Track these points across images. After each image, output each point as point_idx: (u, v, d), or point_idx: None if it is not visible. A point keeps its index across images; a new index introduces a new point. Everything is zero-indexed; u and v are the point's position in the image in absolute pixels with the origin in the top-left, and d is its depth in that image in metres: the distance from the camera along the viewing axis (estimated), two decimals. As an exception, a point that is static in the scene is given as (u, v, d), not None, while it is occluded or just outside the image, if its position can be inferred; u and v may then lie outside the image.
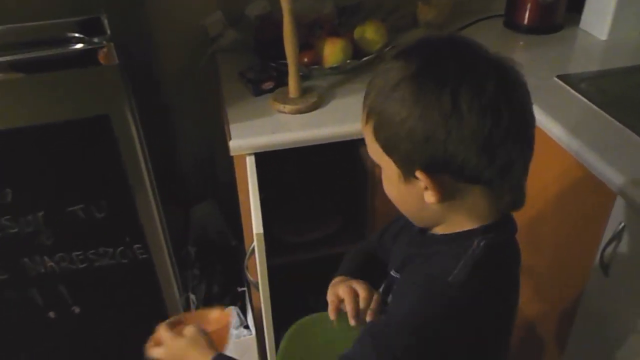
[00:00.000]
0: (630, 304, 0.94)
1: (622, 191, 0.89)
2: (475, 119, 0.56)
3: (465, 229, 0.65)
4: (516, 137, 0.60)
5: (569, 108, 1.11)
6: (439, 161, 0.59)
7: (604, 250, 0.95)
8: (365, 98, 0.64)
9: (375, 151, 0.65)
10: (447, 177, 0.60)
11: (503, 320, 0.68)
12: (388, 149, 0.62)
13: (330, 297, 0.82)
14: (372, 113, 0.62)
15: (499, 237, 0.66)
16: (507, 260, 0.68)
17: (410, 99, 0.58)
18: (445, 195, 0.62)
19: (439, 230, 0.68)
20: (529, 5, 1.45)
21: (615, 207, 0.93)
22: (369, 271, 0.88)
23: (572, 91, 1.16)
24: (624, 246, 0.92)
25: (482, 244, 0.64)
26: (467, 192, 0.62)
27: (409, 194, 0.64)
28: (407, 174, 0.62)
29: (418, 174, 0.60)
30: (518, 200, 0.65)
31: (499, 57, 0.61)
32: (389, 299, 0.76)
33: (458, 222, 0.66)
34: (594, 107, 1.09)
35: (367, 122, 0.64)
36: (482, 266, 0.63)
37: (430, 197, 0.62)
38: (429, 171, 0.60)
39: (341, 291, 0.80)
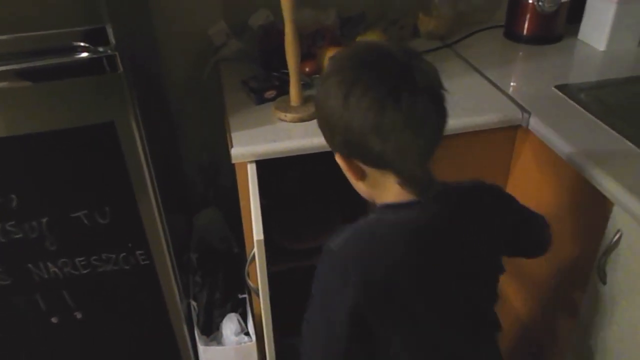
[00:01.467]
0: (628, 312, 0.94)
1: (619, 200, 0.90)
2: (361, 114, 0.67)
3: (383, 202, 0.78)
4: (404, 129, 0.68)
5: (567, 118, 1.12)
6: (346, 148, 0.73)
7: (601, 258, 0.96)
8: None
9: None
10: (358, 161, 0.74)
11: (382, 293, 0.74)
12: (322, 132, 0.77)
13: None
14: (315, 109, 0.77)
15: (393, 214, 0.76)
16: (389, 236, 0.75)
17: (323, 97, 0.72)
18: (360, 176, 0.75)
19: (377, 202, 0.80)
20: (528, 16, 1.47)
21: (612, 215, 0.94)
22: None
23: (570, 101, 1.17)
24: (621, 254, 0.93)
25: (369, 217, 0.77)
26: (379, 175, 0.74)
27: (344, 165, 0.77)
28: (335, 154, 0.77)
29: (336, 157, 0.76)
30: (421, 185, 0.74)
31: (405, 63, 0.69)
32: None
33: (384, 199, 0.77)
34: (592, 117, 1.11)
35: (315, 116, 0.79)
36: (356, 235, 0.75)
37: (349, 176, 0.77)
38: (343, 155, 0.74)
39: None
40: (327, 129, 0.74)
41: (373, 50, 0.72)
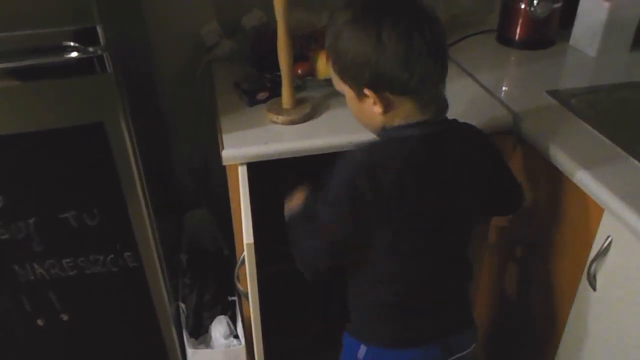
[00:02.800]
0: (618, 319, 0.94)
1: (609, 206, 0.90)
2: (393, 45, 0.77)
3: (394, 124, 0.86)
4: (428, 56, 0.78)
5: (558, 123, 1.12)
6: (377, 80, 0.80)
7: (591, 264, 0.96)
8: (325, 41, 0.86)
9: (337, 81, 0.87)
10: (387, 92, 0.81)
11: (393, 195, 0.84)
12: (343, 76, 0.85)
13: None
14: (329, 52, 0.85)
15: (407, 130, 0.84)
16: (399, 145, 0.85)
17: (351, 37, 0.80)
18: (387, 106, 0.83)
19: None
20: (521, 21, 1.47)
21: (602, 221, 0.94)
22: None
23: (562, 107, 1.18)
24: (611, 260, 0.94)
25: (380, 137, 0.88)
26: (401, 103, 0.83)
27: (363, 109, 0.86)
28: (359, 93, 0.84)
29: (366, 91, 0.82)
30: (440, 106, 0.86)
31: (418, 4, 0.81)
32: None
33: (394, 122, 0.85)
34: (583, 122, 1.11)
35: (328, 60, 0.87)
36: (376, 146, 0.86)
37: (377, 109, 0.83)
38: (373, 89, 0.81)
39: None
40: (354, 70, 0.81)
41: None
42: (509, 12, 1.49)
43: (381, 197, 0.82)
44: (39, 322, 1.19)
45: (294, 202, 0.99)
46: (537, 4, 1.42)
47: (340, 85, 0.87)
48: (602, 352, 0.99)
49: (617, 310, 0.94)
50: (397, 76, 0.79)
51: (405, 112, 0.84)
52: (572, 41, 1.49)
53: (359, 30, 0.79)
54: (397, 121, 0.85)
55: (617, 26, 1.39)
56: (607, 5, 1.35)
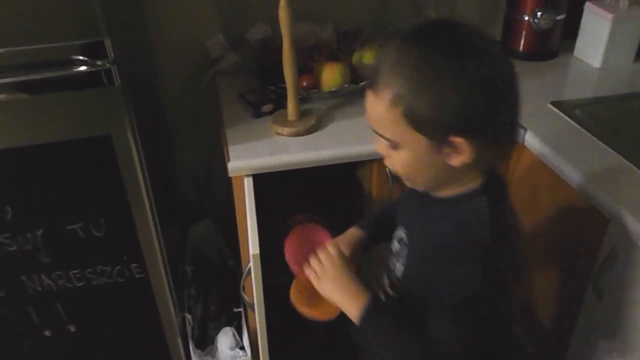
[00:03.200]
0: (624, 329, 0.94)
1: (615, 216, 0.90)
2: (489, 89, 0.67)
3: (471, 188, 0.76)
4: (513, 99, 0.71)
5: (563, 134, 1.13)
6: (467, 125, 0.68)
7: (597, 274, 0.96)
8: (386, 86, 0.68)
9: (399, 132, 0.70)
10: (473, 138, 0.69)
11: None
12: (421, 124, 0.68)
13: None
14: (401, 98, 0.68)
15: (498, 190, 0.77)
16: (505, 207, 0.79)
17: (438, 78, 0.66)
18: (472, 156, 0.70)
19: (444, 193, 0.77)
20: (524, 33, 1.48)
21: (608, 232, 0.94)
22: (385, 225, 0.94)
23: (566, 117, 1.18)
24: (617, 270, 0.93)
25: (486, 199, 0.75)
26: (483, 151, 0.70)
27: (432, 162, 0.72)
28: (440, 142, 0.69)
29: (454, 139, 0.68)
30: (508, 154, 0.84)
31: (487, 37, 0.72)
32: (396, 248, 0.87)
33: (467, 182, 0.75)
34: (587, 133, 1.11)
35: (394, 108, 0.68)
36: (493, 224, 0.73)
37: (457, 159, 0.70)
38: (462, 135, 0.68)
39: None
40: (442, 113, 0.67)
41: (466, 33, 0.70)
42: (512, 23, 1.50)
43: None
44: (46, 333, 1.20)
45: (331, 271, 0.81)
46: (541, 15, 1.42)
47: (402, 136, 0.71)
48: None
49: (623, 320, 0.94)
50: (489, 122, 0.69)
51: (480, 164, 0.73)
52: (576, 52, 1.50)
53: (449, 70, 0.66)
54: (469, 177, 0.75)
55: (620, 37, 1.40)
56: (610, 16, 1.36)
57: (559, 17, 1.44)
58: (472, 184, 0.76)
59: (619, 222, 0.89)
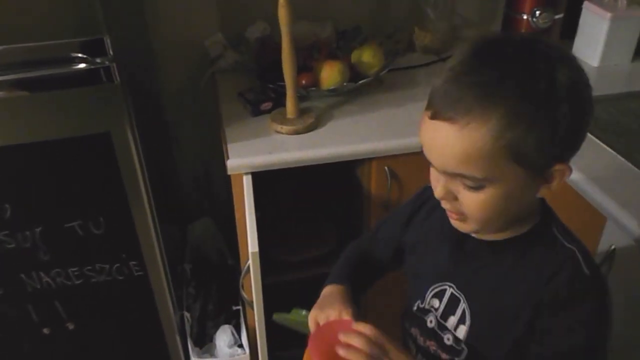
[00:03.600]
0: (621, 327, 0.94)
1: (612, 215, 0.90)
2: (586, 106, 0.61)
3: (529, 225, 0.67)
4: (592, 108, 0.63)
5: (561, 133, 1.13)
6: (574, 149, 0.62)
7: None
8: (482, 119, 0.57)
9: (494, 168, 0.59)
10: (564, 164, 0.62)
11: None
12: (526, 156, 0.59)
13: (311, 324, 0.75)
14: (506, 130, 0.57)
15: (551, 213, 0.70)
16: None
17: (543, 105, 0.57)
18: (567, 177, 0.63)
19: (506, 234, 0.68)
20: (523, 31, 1.48)
21: (605, 230, 0.95)
22: (363, 274, 0.87)
23: (581, 128, 1.18)
24: (614, 268, 0.94)
25: (561, 231, 0.68)
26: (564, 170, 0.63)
27: (521, 196, 0.64)
28: (542, 171, 0.62)
29: (559, 166, 0.61)
30: None
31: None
32: (436, 304, 0.75)
33: (526, 218, 0.67)
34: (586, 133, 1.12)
35: (495, 142, 0.58)
36: (589, 253, 0.67)
37: (553, 185, 0.63)
38: (567, 159, 0.62)
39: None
40: (553, 140, 0.59)
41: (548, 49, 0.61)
42: (510, 22, 1.50)
43: None
44: (45, 331, 1.20)
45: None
46: (539, 14, 1.43)
47: (498, 172, 0.60)
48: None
49: (620, 318, 0.94)
50: (578, 145, 0.63)
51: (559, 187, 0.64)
52: (574, 51, 1.50)
53: (549, 94, 0.58)
54: (529, 212, 0.67)
55: (618, 36, 1.40)
56: (609, 15, 1.36)
57: (557, 16, 1.44)
58: (533, 215, 0.68)
59: (617, 221, 0.90)
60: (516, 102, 0.57)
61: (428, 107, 0.62)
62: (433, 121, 0.60)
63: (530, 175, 0.61)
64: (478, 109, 0.57)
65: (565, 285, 0.65)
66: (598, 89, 1.39)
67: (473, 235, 0.70)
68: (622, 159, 1.02)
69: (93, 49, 0.94)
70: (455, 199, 0.64)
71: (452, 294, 0.74)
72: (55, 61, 0.93)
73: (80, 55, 0.93)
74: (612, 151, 1.05)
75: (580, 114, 0.60)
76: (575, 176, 0.99)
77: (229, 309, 1.45)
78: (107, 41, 0.93)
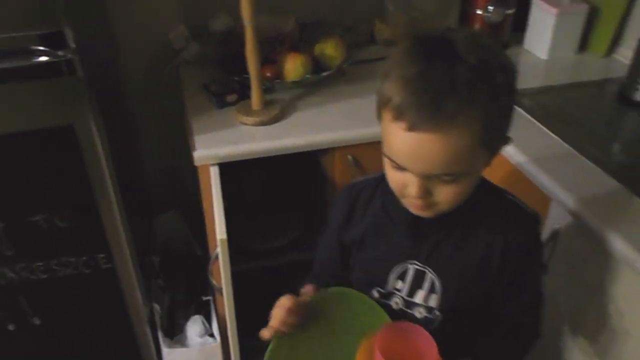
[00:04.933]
0: (567, 301, 1.02)
1: (556, 196, 0.97)
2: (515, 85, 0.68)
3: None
4: None
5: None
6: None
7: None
8: (464, 121, 0.61)
9: (471, 160, 0.66)
10: None
11: None
12: (496, 143, 0.68)
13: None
14: (485, 132, 0.63)
15: None
16: None
17: (504, 94, 0.64)
18: None
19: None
20: (477, 26, 1.55)
21: (549, 211, 1.02)
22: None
23: (515, 106, 1.25)
24: (559, 246, 1.01)
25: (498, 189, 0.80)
26: None
27: (477, 177, 0.71)
28: (498, 150, 0.70)
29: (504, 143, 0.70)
30: None
31: None
32: (401, 285, 0.80)
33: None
34: (533, 120, 1.19)
35: (476, 138, 0.63)
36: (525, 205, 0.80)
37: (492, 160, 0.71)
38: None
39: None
40: (509, 123, 0.70)
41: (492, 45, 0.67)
42: (466, 17, 1.57)
43: None
44: (10, 327, 1.18)
45: None
46: (492, 9, 1.50)
47: (470, 162, 0.66)
48: (553, 333, 1.06)
49: (566, 293, 1.01)
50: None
51: None
52: (525, 44, 1.58)
53: (494, 83, 0.63)
54: None
55: (564, 31, 1.48)
56: (555, 11, 1.44)
57: (508, 11, 1.51)
58: None
59: (560, 202, 0.96)
60: (489, 99, 0.62)
61: (398, 120, 0.63)
62: (410, 133, 0.62)
63: (492, 155, 0.69)
64: (461, 117, 0.61)
65: (525, 236, 0.77)
66: (546, 79, 1.48)
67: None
68: (566, 145, 1.10)
69: (54, 42, 0.94)
70: (431, 194, 0.68)
71: (416, 270, 0.79)
72: (16, 54, 0.92)
73: (41, 48, 0.92)
74: (557, 137, 1.12)
75: (516, 91, 0.68)
76: (523, 160, 1.06)
77: (198, 299, 1.47)
78: (68, 33, 0.93)
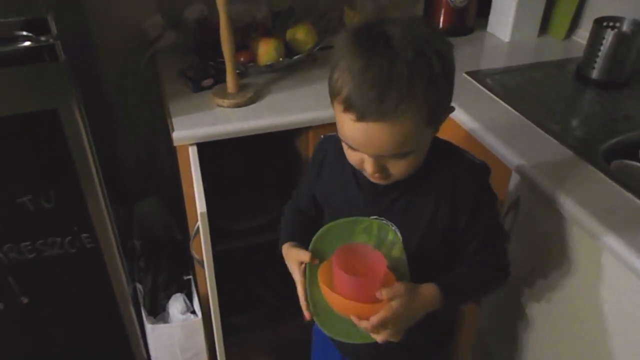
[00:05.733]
0: (529, 267, 1.09)
1: (517, 166, 1.05)
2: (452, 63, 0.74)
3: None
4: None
5: (475, 99, 1.27)
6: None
7: (503, 219, 1.11)
8: (409, 107, 0.68)
9: (419, 138, 0.73)
10: None
11: None
12: (438, 119, 0.76)
13: (295, 272, 0.83)
14: (425, 113, 0.70)
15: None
16: None
17: (440, 76, 0.69)
18: None
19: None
20: (443, 11, 1.62)
21: (511, 181, 1.09)
22: (304, 228, 0.94)
23: (478, 85, 1.33)
24: (520, 215, 1.09)
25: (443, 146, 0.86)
26: None
27: (426, 148, 0.78)
28: (442, 122, 0.78)
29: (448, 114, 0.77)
30: None
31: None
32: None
33: None
34: (496, 98, 1.27)
35: (421, 120, 0.71)
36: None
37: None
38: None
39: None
40: (449, 100, 0.76)
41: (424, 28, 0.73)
42: (432, 3, 1.64)
43: None
44: (-1, 306, 1.22)
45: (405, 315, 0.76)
46: (456, -5, 1.57)
47: (417, 138, 0.73)
48: (515, 299, 1.14)
49: (527, 258, 1.09)
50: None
51: None
52: (489, 28, 1.66)
53: (434, 64, 0.69)
54: None
55: (525, 14, 1.56)
56: (516, -5, 1.52)
57: (472, -4, 1.59)
58: None
59: (520, 172, 1.04)
60: (427, 86, 0.68)
61: (347, 111, 0.70)
62: (360, 122, 0.70)
63: (437, 128, 0.78)
64: (402, 106, 0.68)
65: (473, 182, 0.84)
66: (508, 60, 1.55)
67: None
68: (527, 120, 1.17)
69: (36, 28, 0.97)
70: (386, 169, 0.76)
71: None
72: (0, 40, 0.95)
73: (24, 33, 0.96)
74: (517, 113, 1.20)
75: (454, 67, 0.73)
76: (485, 134, 1.13)
77: (179, 279, 1.52)
78: (51, 19, 0.97)
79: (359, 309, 0.73)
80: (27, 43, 0.97)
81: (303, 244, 0.87)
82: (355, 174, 0.87)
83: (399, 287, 0.75)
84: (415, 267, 0.82)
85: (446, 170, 0.84)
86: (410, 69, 0.67)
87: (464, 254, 0.89)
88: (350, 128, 0.72)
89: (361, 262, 0.77)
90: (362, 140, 0.72)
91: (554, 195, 0.96)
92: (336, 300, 0.74)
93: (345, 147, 0.78)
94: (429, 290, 0.79)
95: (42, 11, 0.96)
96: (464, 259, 0.89)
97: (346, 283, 0.73)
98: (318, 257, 0.81)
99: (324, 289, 0.75)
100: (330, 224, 0.83)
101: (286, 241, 0.90)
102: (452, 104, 0.78)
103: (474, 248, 0.88)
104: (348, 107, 0.70)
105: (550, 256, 1.02)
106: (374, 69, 0.68)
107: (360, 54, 0.69)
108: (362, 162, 0.77)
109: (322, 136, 0.96)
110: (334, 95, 0.73)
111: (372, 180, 0.81)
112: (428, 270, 0.83)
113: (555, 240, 0.99)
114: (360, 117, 0.69)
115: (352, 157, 0.78)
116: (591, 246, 0.91)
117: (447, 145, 0.89)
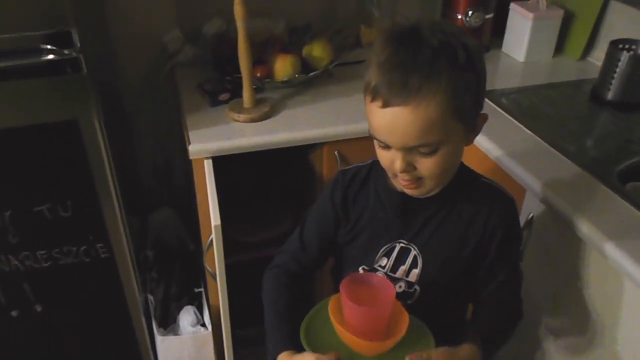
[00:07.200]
0: (541, 287, 1.08)
1: (530, 186, 1.04)
2: (483, 64, 0.76)
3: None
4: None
5: (489, 119, 1.26)
6: (484, 99, 0.79)
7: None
8: (431, 93, 0.69)
9: (445, 130, 0.73)
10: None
11: None
12: (464, 112, 0.74)
13: None
14: (450, 101, 0.70)
15: None
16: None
17: (468, 68, 0.72)
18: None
19: (436, 191, 0.83)
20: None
21: (525, 200, 1.09)
22: (294, 310, 0.89)
23: (493, 105, 1.33)
24: (534, 233, 1.08)
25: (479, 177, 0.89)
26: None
27: (460, 150, 0.80)
28: (472, 124, 0.78)
29: (481, 115, 0.79)
30: None
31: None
32: (386, 261, 0.87)
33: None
34: (510, 118, 1.27)
35: (445, 108, 0.71)
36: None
37: (476, 134, 0.81)
38: (481, 108, 0.79)
39: None
40: (476, 96, 0.77)
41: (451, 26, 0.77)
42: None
43: None
44: (13, 313, 1.23)
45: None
46: (472, 14, 1.58)
47: (445, 132, 0.73)
48: (526, 319, 1.12)
49: (540, 278, 1.08)
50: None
51: None
52: (503, 48, 1.66)
53: (470, 59, 0.71)
54: None
55: (540, 35, 1.57)
56: (531, 15, 1.53)
57: (488, 16, 1.60)
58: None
59: (533, 192, 1.03)
60: (451, 73, 0.69)
61: (375, 99, 0.73)
62: (385, 109, 0.71)
63: (466, 129, 0.77)
64: (425, 89, 0.69)
65: (507, 213, 0.85)
66: (523, 80, 1.55)
67: (414, 196, 0.83)
68: (539, 139, 1.17)
69: (60, 41, 1.00)
70: (414, 168, 0.76)
71: (401, 247, 0.87)
72: (25, 52, 0.98)
73: (48, 46, 0.99)
74: (531, 133, 1.20)
75: (485, 69, 0.76)
76: (500, 154, 1.13)
77: (191, 291, 1.52)
78: (75, 33, 1.00)
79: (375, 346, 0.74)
80: (51, 56, 0.99)
81: (292, 323, 0.83)
82: (379, 195, 0.87)
83: (439, 354, 0.74)
84: (424, 301, 0.83)
85: (479, 198, 0.85)
86: (434, 54, 0.69)
87: (482, 288, 0.89)
88: (377, 116, 0.73)
89: (368, 291, 0.77)
90: (388, 129, 0.73)
91: (569, 216, 0.95)
92: (352, 341, 0.74)
93: (377, 147, 0.79)
94: (468, 352, 0.79)
95: (67, 25, 0.99)
96: (480, 293, 0.89)
97: (358, 315, 0.73)
98: (314, 345, 0.77)
99: (339, 329, 0.74)
100: (310, 313, 0.81)
101: (277, 338, 0.85)
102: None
103: (496, 284, 0.87)
104: (375, 94, 0.72)
105: (568, 283, 1.00)
106: (400, 55, 0.70)
107: (389, 45, 0.72)
108: (392, 162, 0.77)
109: (337, 172, 0.94)
110: (365, 89, 0.75)
111: (404, 189, 0.81)
112: (437, 305, 0.83)
113: (569, 263, 0.98)
114: (385, 103, 0.71)
115: (383, 158, 0.79)
116: (607, 269, 0.90)
117: (475, 174, 0.90)
